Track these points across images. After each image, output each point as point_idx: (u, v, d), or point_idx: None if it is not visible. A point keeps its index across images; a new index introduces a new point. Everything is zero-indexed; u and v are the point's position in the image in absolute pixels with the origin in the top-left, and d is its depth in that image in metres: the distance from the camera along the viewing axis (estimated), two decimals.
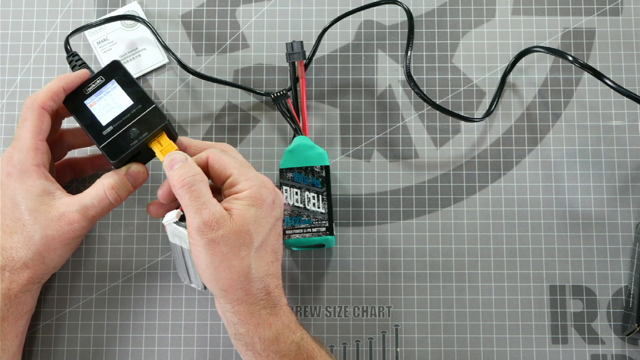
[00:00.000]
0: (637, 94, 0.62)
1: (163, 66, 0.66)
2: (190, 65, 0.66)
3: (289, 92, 0.63)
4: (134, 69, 0.66)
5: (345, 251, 0.63)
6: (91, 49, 0.67)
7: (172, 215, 0.54)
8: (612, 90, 0.60)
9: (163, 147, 0.55)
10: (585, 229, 0.63)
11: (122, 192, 0.55)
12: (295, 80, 0.63)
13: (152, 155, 0.56)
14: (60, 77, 0.56)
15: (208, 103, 0.66)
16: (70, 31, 0.64)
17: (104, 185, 0.54)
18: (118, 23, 0.67)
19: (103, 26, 0.66)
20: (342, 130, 0.65)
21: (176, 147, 0.56)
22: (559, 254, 0.62)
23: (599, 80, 0.60)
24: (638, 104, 0.64)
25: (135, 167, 0.55)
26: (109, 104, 0.57)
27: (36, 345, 0.61)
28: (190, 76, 0.66)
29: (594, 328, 0.61)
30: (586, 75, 0.65)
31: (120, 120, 0.56)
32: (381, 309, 0.62)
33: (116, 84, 0.58)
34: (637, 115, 0.65)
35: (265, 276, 0.53)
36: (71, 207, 0.54)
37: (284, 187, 0.60)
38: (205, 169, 0.54)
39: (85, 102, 0.58)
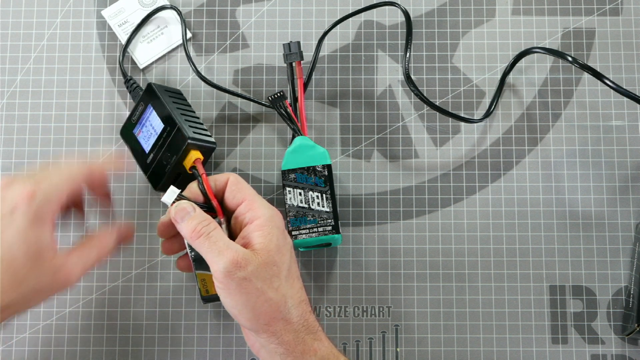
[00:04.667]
0: (637, 94, 0.62)
1: (163, 61, 0.67)
2: (189, 66, 0.66)
3: (286, 94, 0.63)
4: (155, 51, 0.66)
5: (345, 251, 0.63)
6: (113, 30, 0.67)
7: (172, 195, 0.54)
8: (612, 90, 0.60)
9: (192, 164, 0.57)
10: (585, 229, 0.63)
11: (114, 250, 0.55)
12: (293, 80, 0.63)
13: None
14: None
15: (208, 103, 0.66)
16: (120, 53, 0.65)
17: (100, 240, 0.54)
18: (136, 4, 0.67)
19: (122, 8, 0.67)
20: (342, 130, 0.65)
21: (202, 167, 0.57)
22: (559, 254, 0.62)
23: (598, 81, 0.60)
24: (638, 104, 0.64)
25: (125, 227, 0.56)
26: (149, 130, 0.60)
27: (36, 345, 0.61)
28: (190, 76, 0.66)
29: (594, 328, 0.61)
30: (586, 75, 0.65)
31: (157, 145, 0.59)
32: (381, 309, 0.62)
33: (152, 108, 0.60)
34: (637, 115, 0.65)
35: (300, 302, 0.53)
36: (71, 261, 0.51)
37: (287, 189, 0.60)
38: (223, 190, 0.55)
39: (133, 131, 0.60)
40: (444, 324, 0.62)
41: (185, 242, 0.55)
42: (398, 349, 0.61)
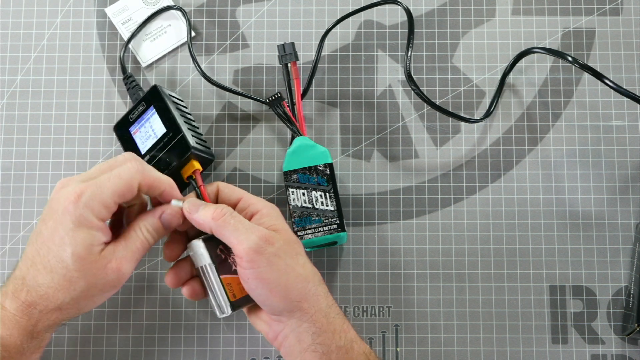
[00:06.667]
0: (637, 94, 0.62)
1: (163, 61, 0.67)
2: (190, 65, 0.66)
3: (283, 95, 0.63)
4: (158, 49, 0.67)
5: (345, 251, 0.63)
6: (115, 29, 0.67)
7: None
8: (612, 90, 0.60)
9: (189, 174, 0.57)
10: (585, 229, 0.63)
11: (158, 235, 0.53)
12: (289, 81, 0.63)
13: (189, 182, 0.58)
14: (171, 184, 0.53)
15: (208, 103, 0.66)
16: (123, 50, 0.66)
17: (142, 230, 0.52)
18: (140, 2, 0.67)
19: (126, 6, 0.67)
20: (342, 130, 0.65)
21: (200, 178, 0.57)
22: (559, 254, 0.63)
23: (598, 81, 0.60)
24: (638, 104, 0.64)
25: (169, 212, 0.53)
26: (147, 131, 0.59)
27: None
28: (190, 76, 0.66)
29: (594, 328, 0.61)
30: (586, 75, 0.65)
31: (155, 148, 0.59)
32: (381, 309, 0.62)
33: (154, 110, 0.60)
34: (637, 115, 0.65)
35: (322, 282, 0.53)
36: (118, 254, 0.51)
37: (290, 190, 0.60)
38: (215, 199, 0.56)
39: (130, 129, 0.60)
40: (444, 324, 0.62)
41: (197, 252, 0.54)
42: (398, 349, 0.61)
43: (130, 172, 0.51)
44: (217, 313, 0.54)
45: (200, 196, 0.55)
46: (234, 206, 0.55)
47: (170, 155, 0.58)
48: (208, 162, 0.61)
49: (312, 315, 0.51)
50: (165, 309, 0.62)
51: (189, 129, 0.60)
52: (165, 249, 0.56)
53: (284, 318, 0.52)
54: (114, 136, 0.65)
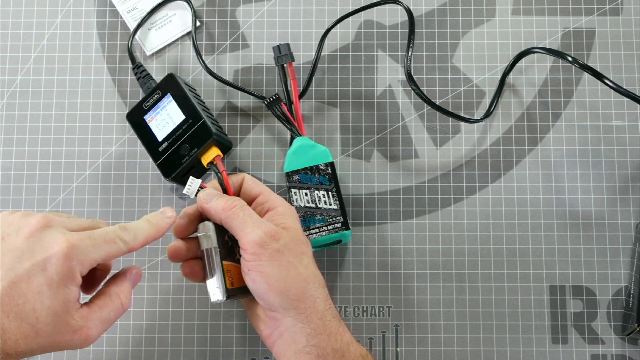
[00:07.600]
0: (637, 94, 0.62)
1: (162, 60, 0.67)
2: (190, 65, 0.66)
3: (282, 96, 0.63)
4: (164, 37, 0.67)
5: (346, 251, 0.63)
6: (120, 17, 0.67)
7: (195, 185, 0.55)
8: (612, 90, 0.60)
9: (211, 160, 0.58)
10: (585, 229, 0.63)
11: (129, 299, 0.51)
12: (286, 82, 0.63)
13: (207, 168, 0.59)
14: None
15: (208, 103, 0.66)
16: (130, 39, 0.66)
17: (119, 296, 0.50)
18: None
19: None
20: (342, 130, 0.65)
21: (223, 163, 0.58)
22: (559, 254, 0.63)
23: (598, 81, 0.60)
24: (638, 104, 0.64)
25: (135, 271, 0.52)
26: (164, 119, 0.60)
27: None
28: (190, 76, 0.66)
29: (594, 328, 0.61)
30: (586, 75, 0.65)
31: (174, 135, 0.59)
32: (381, 309, 0.62)
33: (171, 98, 0.60)
34: (637, 115, 0.65)
35: (324, 286, 0.54)
36: (90, 322, 0.48)
37: (293, 190, 0.60)
38: (239, 189, 0.57)
39: (144, 117, 0.60)
40: (444, 324, 0.62)
41: (207, 233, 0.54)
42: (398, 349, 0.61)
43: (120, 239, 0.49)
44: (212, 298, 0.54)
45: (222, 182, 0.56)
46: (253, 199, 0.56)
47: (191, 141, 0.58)
48: (226, 148, 0.61)
49: (307, 316, 0.51)
50: (165, 309, 0.62)
51: (207, 116, 0.60)
52: (176, 225, 0.55)
53: (279, 315, 0.52)
54: (114, 136, 0.65)
